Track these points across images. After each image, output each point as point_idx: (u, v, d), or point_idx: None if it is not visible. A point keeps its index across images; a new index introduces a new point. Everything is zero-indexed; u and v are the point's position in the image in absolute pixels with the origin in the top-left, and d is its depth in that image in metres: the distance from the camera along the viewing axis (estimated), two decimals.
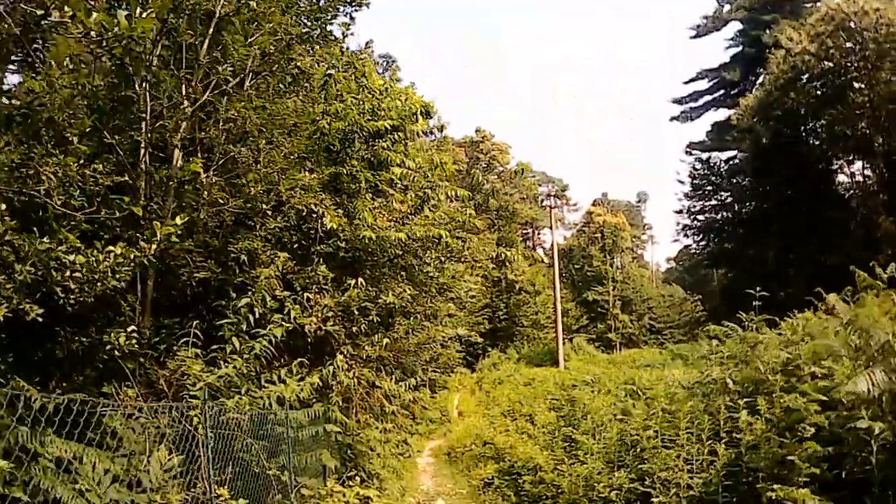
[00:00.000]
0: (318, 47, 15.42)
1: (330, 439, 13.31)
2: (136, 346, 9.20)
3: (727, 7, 79.65)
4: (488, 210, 56.99)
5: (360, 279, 14.25)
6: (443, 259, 18.56)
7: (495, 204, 65.72)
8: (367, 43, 18.28)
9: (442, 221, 16.60)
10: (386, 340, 15.44)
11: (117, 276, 8.29)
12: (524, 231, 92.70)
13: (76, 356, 10.69)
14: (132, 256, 8.32)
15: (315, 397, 12.49)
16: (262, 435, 10.03)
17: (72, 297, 8.08)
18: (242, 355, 10.04)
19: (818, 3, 62.00)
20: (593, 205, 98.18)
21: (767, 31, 67.75)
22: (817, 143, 50.82)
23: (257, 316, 11.00)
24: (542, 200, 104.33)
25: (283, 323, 10.84)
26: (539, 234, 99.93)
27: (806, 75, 48.27)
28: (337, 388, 13.74)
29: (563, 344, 58.46)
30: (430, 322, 20.32)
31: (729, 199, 67.28)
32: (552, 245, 71.17)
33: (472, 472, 21.19)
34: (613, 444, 12.94)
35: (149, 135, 11.00)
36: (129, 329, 9.46)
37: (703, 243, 71.82)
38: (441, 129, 18.05)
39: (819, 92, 47.86)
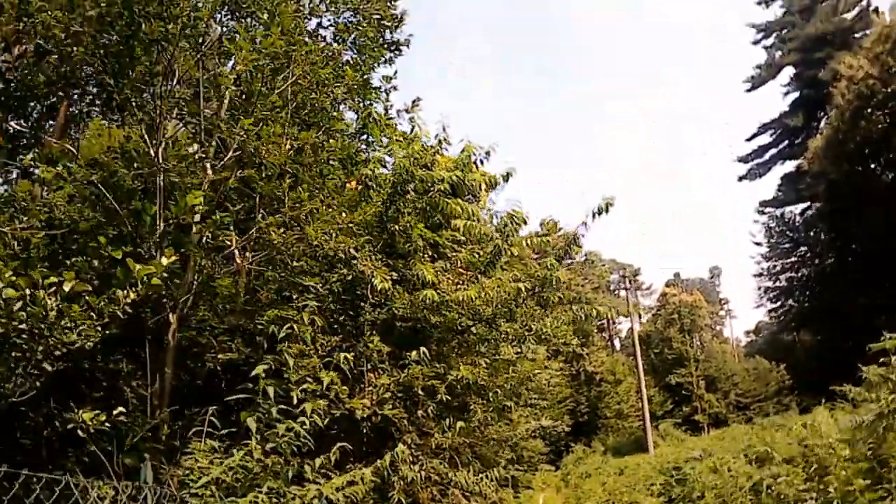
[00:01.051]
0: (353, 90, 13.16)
1: None
2: (107, 426, 6.50)
3: (779, 53, 77.53)
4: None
5: (423, 349, 11.63)
6: (521, 339, 15.63)
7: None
8: (413, 101, 15.94)
9: (520, 280, 13.79)
10: (461, 424, 12.54)
11: (77, 329, 5.86)
12: (599, 322, 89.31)
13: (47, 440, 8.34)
14: (100, 305, 5.96)
15: (372, 498, 9.80)
16: None
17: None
18: (265, 443, 7.38)
19: (867, 31, 60.18)
20: (666, 286, 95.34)
21: (823, 70, 65.43)
22: (893, 174, 47.43)
23: (295, 401, 8.44)
24: (614, 288, 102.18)
25: (319, 399, 8.22)
26: (615, 323, 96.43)
27: (872, 101, 45.64)
28: (399, 484, 10.97)
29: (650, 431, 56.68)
30: (511, 402, 17.37)
31: (808, 254, 64.71)
32: (631, 330, 68.58)
33: None
34: None
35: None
36: (115, 412, 6.86)
37: (785, 306, 69.21)
38: (507, 177, 15.40)
39: (888, 119, 45.04)
